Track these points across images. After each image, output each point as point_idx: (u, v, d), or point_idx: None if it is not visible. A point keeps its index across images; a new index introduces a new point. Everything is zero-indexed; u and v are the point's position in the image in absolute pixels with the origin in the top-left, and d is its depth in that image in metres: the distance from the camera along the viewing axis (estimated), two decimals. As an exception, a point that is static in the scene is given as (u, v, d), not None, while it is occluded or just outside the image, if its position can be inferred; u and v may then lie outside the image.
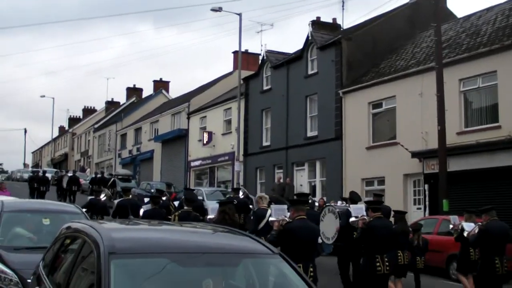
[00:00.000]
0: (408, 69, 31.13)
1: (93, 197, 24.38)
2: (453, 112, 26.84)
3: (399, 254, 14.94)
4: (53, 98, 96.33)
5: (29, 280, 8.49)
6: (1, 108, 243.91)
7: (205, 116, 52.74)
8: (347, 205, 16.99)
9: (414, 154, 28.80)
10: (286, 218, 11.31)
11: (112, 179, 41.59)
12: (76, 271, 6.22)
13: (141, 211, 18.82)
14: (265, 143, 42.81)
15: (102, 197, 23.63)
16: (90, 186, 41.85)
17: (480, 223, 14.33)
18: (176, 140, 57.06)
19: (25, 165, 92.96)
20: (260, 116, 43.54)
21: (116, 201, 22.33)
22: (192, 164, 53.68)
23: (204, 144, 50.43)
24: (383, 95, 32.29)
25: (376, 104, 33.03)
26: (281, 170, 40.15)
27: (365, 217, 13.51)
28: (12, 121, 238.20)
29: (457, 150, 26.42)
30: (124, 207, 19.84)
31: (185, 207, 15.23)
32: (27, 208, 13.67)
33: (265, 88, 43.42)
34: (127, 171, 59.75)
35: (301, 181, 38.75)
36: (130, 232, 6.80)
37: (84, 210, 15.57)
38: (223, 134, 48.63)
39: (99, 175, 43.77)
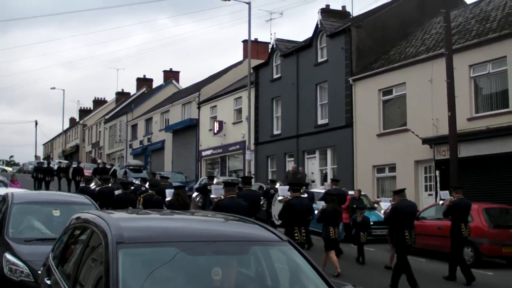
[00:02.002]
0: (418, 56, 31.04)
1: (84, 185, 26.54)
2: (463, 98, 26.79)
3: (330, 230, 17.52)
4: (64, 90, 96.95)
5: (39, 272, 8.52)
6: (18, 100, 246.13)
7: (215, 106, 52.76)
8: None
9: (425, 141, 28.75)
10: (222, 196, 14.59)
11: (113, 169, 42.53)
12: (85, 261, 6.23)
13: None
14: (275, 132, 42.81)
15: (92, 185, 25.56)
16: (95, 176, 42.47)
17: (393, 203, 17.11)
18: (186, 130, 57.11)
19: (36, 157, 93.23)
20: (270, 104, 43.54)
21: (97, 189, 23.98)
22: (203, 153, 53.74)
23: (214, 134, 50.47)
24: (393, 82, 32.21)
25: (386, 91, 32.97)
26: (292, 159, 40.17)
27: (288, 197, 16.81)
28: (26, 113, 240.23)
29: (467, 136, 26.36)
30: (103, 194, 22.00)
31: (149, 191, 19.15)
32: (37, 199, 13.72)
33: (275, 76, 43.40)
34: (138, 162, 59.80)
35: (312, 169, 38.76)
36: (139, 222, 6.81)
37: None
38: (233, 123, 48.68)
39: (101, 166, 44.57)
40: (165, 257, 5.56)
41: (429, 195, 29.34)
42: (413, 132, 29.16)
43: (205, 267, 5.72)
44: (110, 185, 24.00)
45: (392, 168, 31.96)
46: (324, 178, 37.33)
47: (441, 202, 20.03)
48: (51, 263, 7.68)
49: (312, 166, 38.89)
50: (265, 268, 6.13)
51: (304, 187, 20.72)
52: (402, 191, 17.26)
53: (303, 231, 16.05)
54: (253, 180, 28.30)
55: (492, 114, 26.59)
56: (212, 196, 15.85)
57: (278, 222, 19.50)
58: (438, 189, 27.93)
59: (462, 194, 18.23)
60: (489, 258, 19.90)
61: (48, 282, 7.28)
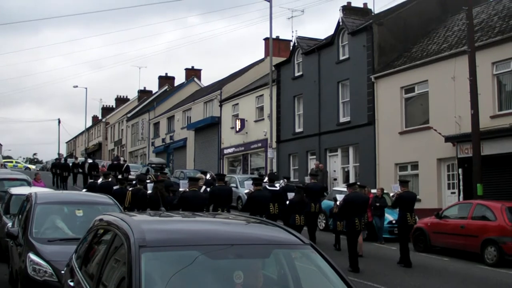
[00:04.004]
0: (440, 53, 30.87)
1: (92, 180, 30.78)
2: (486, 96, 26.61)
3: (296, 217, 19.68)
4: (86, 88, 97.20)
5: (62, 272, 8.56)
6: (44, 99, 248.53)
7: (237, 104, 52.80)
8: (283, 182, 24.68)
9: (448, 139, 28.59)
10: (187, 189, 18.07)
11: (126, 164, 43.46)
12: (108, 263, 6.26)
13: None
14: (297, 130, 42.76)
15: (99, 180, 27.61)
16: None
17: (346, 194, 19.97)
18: (208, 127, 57.19)
19: (59, 155, 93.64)
20: (292, 102, 43.48)
21: (99, 183, 26.59)
22: (225, 151, 53.83)
23: (236, 132, 50.54)
24: (415, 79, 32.07)
25: (409, 89, 32.82)
26: (314, 156, 40.12)
27: (251, 190, 20.15)
28: (51, 112, 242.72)
29: (490, 133, 26.20)
30: (103, 187, 23.70)
31: (138, 185, 21.25)
32: (61, 200, 13.76)
33: (296, 74, 43.34)
34: (161, 160, 60.07)
35: (334, 167, 38.71)
36: (161, 225, 6.83)
37: (84, 190, 24.12)
38: (255, 121, 48.69)
39: (115, 162, 45.86)
40: (186, 260, 5.58)
41: (452, 193, 29.17)
42: (435, 130, 29.02)
43: (227, 271, 5.73)
44: (110, 179, 27.02)
45: (415, 166, 31.82)
46: (346, 176, 37.32)
47: (391, 194, 22.99)
48: (74, 264, 7.74)
49: (334, 164, 38.83)
50: (287, 272, 6.12)
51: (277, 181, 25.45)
52: (354, 184, 20.23)
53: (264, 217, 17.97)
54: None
55: (516, 111, 26.43)
56: (180, 189, 20.34)
57: None
58: (461, 187, 27.81)
59: (408, 187, 20.95)
60: (512, 257, 19.73)
61: (71, 284, 7.32)
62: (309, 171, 37.09)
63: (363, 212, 19.46)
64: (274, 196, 20.76)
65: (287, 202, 20.72)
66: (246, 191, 21.22)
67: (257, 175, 36.28)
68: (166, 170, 48.65)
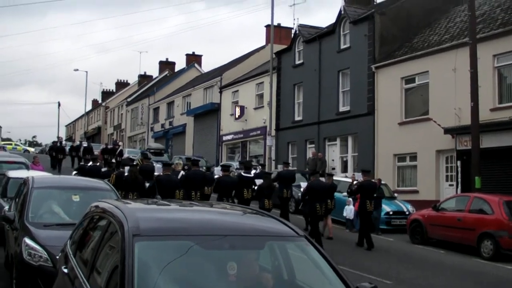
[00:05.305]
0: (442, 44, 30.80)
1: (83, 163, 32.89)
2: (487, 88, 26.55)
3: (265, 201, 21.17)
4: (86, 72, 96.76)
5: (57, 257, 8.53)
6: (47, 82, 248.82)
7: (237, 90, 52.74)
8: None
9: (447, 130, 28.56)
10: (161, 173, 20.44)
11: (119, 149, 43.73)
12: (102, 251, 6.24)
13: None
14: (297, 118, 42.72)
15: (89, 164, 28.29)
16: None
17: (309, 181, 22.04)
18: (208, 114, 57.15)
19: (58, 138, 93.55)
20: (292, 90, 43.42)
21: (88, 166, 27.80)
22: (224, 138, 53.80)
23: (236, 119, 50.49)
24: (416, 70, 32.00)
25: (409, 79, 32.76)
26: (313, 145, 40.10)
27: (220, 175, 21.92)
28: (54, 94, 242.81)
29: (490, 126, 26.17)
30: (92, 170, 25.15)
31: (120, 169, 21.90)
32: (57, 184, 13.68)
33: (297, 62, 43.26)
34: (159, 145, 60.05)
35: (333, 156, 38.69)
36: (155, 213, 6.79)
37: (74, 172, 26.86)
38: (255, 109, 48.65)
39: (109, 146, 46.39)
40: (180, 250, 5.56)
41: (450, 185, 29.17)
42: (435, 122, 28.99)
43: (220, 261, 5.71)
44: (98, 163, 28.36)
45: (413, 157, 31.79)
46: (344, 166, 37.34)
47: (354, 182, 24.26)
48: (68, 250, 7.71)
49: (333, 153, 38.80)
50: (281, 263, 6.12)
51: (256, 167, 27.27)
52: (316, 173, 22.93)
53: (230, 200, 20.70)
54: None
55: (516, 105, 26.38)
56: (155, 173, 22.31)
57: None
58: (459, 180, 27.80)
59: (370, 177, 22.90)
60: (508, 252, 19.68)
61: (65, 270, 7.29)
62: (307, 160, 37.29)
63: (325, 198, 21.26)
64: (247, 181, 22.03)
65: (255, 188, 22.08)
66: (216, 176, 22.83)
67: (256, 163, 36.30)
68: (165, 156, 48.71)
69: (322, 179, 22.85)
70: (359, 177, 24.67)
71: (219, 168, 26.87)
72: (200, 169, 24.04)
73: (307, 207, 21.05)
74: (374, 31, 35.25)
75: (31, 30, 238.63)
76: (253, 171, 24.22)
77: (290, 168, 29.50)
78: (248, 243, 6.00)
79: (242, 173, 22.98)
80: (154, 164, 27.67)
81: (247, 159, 47.50)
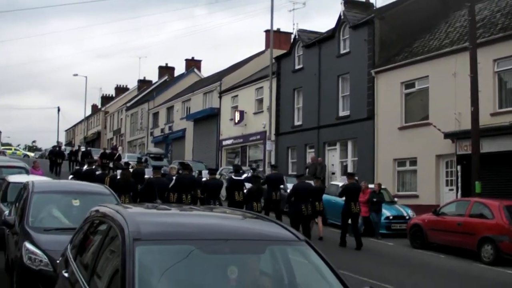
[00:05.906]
0: (442, 49, 30.81)
1: (78, 167, 34.26)
2: (487, 93, 26.55)
3: (254, 204, 21.62)
4: (86, 77, 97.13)
5: (58, 261, 8.52)
6: (48, 87, 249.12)
7: (237, 95, 52.74)
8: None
9: (447, 135, 28.55)
10: (151, 176, 22.48)
11: (117, 154, 44.67)
12: (102, 255, 6.23)
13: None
14: (297, 123, 42.72)
15: (84, 168, 28.38)
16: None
17: (294, 183, 23.35)
18: (208, 119, 57.13)
19: (58, 142, 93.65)
20: (292, 95, 43.42)
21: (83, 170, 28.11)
22: (224, 143, 53.79)
23: (235, 123, 50.47)
24: (416, 75, 32.00)
25: (409, 84, 32.77)
26: (313, 150, 40.10)
27: (207, 178, 22.99)
28: (55, 100, 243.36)
29: (490, 131, 26.16)
30: (87, 174, 25.26)
31: (114, 172, 23.75)
32: (57, 189, 13.72)
33: (297, 67, 43.28)
34: (159, 150, 59.93)
35: (333, 160, 38.69)
36: (156, 218, 6.78)
37: (71, 176, 27.53)
38: (254, 113, 48.63)
39: (108, 151, 47.59)
40: (181, 254, 5.55)
41: (450, 190, 29.14)
42: (435, 126, 28.97)
43: (221, 266, 5.69)
44: (93, 167, 28.04)
45: (413, 162, 31.79)
46: (344, 170, 37.33)
47: (340, 185, 25.52)
48: (69, 255, 7.69)
49: (333, 158, 38.80)
50: (282, 268, 6.09)
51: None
52: (301, 175, 24.79)
53: (217, 202, 21.78)
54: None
55: (516, 109, 26.37)
56: (146, 176, 24.58)
57: (223, 199, 26.07)
58: (459, 184, 27.79)
59: (354, 180, 23.36)
60: (509, 256, 19.66)
61: (66, 274, 7.27)
62: (306, 164, 37.32)
63: (311, 199, 22.22)
64: (237, 184, 22.87)
65: (245, 191, 22.82)
66: (204, 179, 24.22)
67: (255, 168, 36.41)
68: (165, 161, 48.74)
69: (310, 182, 23.78)
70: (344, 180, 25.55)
71: (205, 171, 28.75)
72: (193, 173, 25.28)
73: (292, 208, 22.33)
74: (374, 36, 35.27)
75: (31, 35, 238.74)
76: (244, 175, 24.67)
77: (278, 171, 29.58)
78: (248, 248, 5.99)
79: (233, 176, 23.69)
80: (145, 169, 28.97)
81: (247, 164, 47.58)
